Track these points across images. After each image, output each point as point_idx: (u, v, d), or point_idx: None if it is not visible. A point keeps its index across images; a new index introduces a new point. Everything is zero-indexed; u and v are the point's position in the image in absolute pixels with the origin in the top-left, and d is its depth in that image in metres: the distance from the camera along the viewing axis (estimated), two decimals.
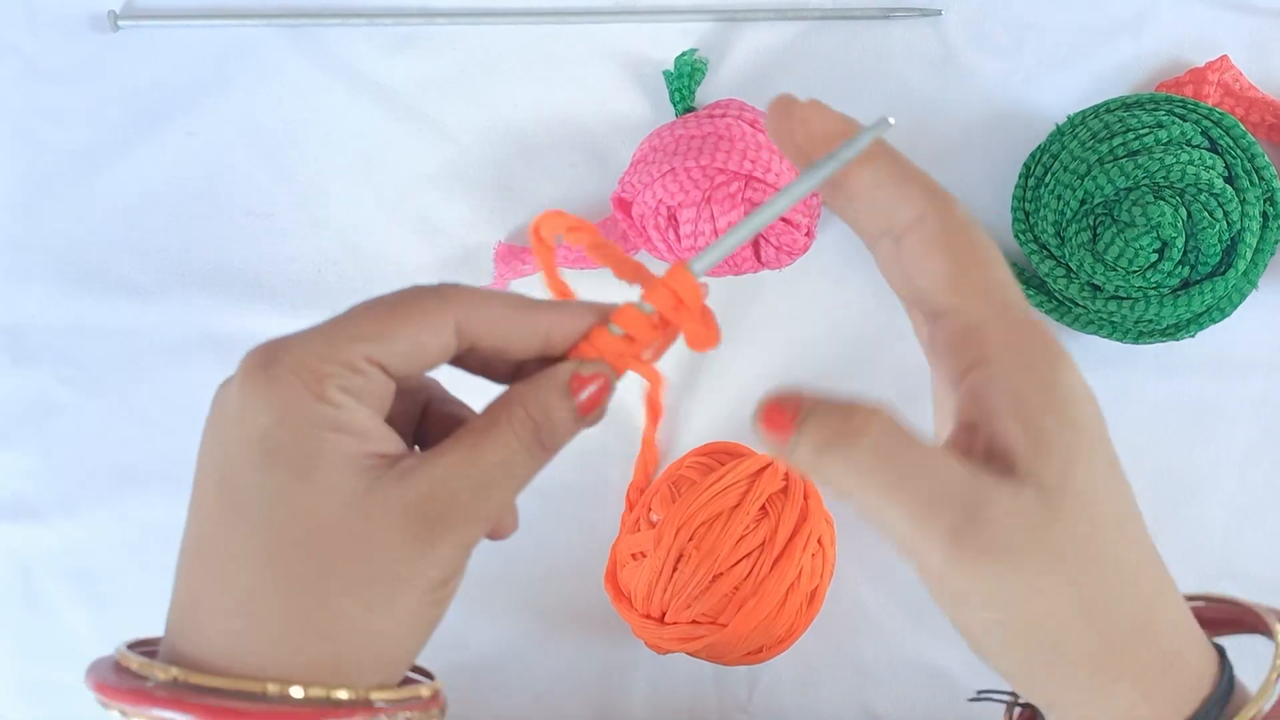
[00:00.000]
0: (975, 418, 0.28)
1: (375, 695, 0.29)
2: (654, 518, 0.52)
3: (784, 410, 0.28)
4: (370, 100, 0.61)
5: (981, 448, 0.28)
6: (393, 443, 0.29)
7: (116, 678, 0.28)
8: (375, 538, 0.28)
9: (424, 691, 0.31)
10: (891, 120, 0.32)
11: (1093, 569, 0.27)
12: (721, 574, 0.49)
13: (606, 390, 0.31)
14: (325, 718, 0.28)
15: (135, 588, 0.60)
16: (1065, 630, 0.27)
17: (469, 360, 0.32)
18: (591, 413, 0.31)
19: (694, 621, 0.50)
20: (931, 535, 0.26)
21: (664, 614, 0.50)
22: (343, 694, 0.28)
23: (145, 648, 0.31)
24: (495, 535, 0.33)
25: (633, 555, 0.52)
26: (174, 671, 0.28)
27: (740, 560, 0.49)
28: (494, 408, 0.31)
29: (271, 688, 0.27)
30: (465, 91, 0.61)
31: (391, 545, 0.28)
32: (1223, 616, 0.34)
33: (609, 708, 0.59)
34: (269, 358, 0.28)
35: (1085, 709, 0.29)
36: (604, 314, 0.32)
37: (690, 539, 0.49)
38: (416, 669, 0.33)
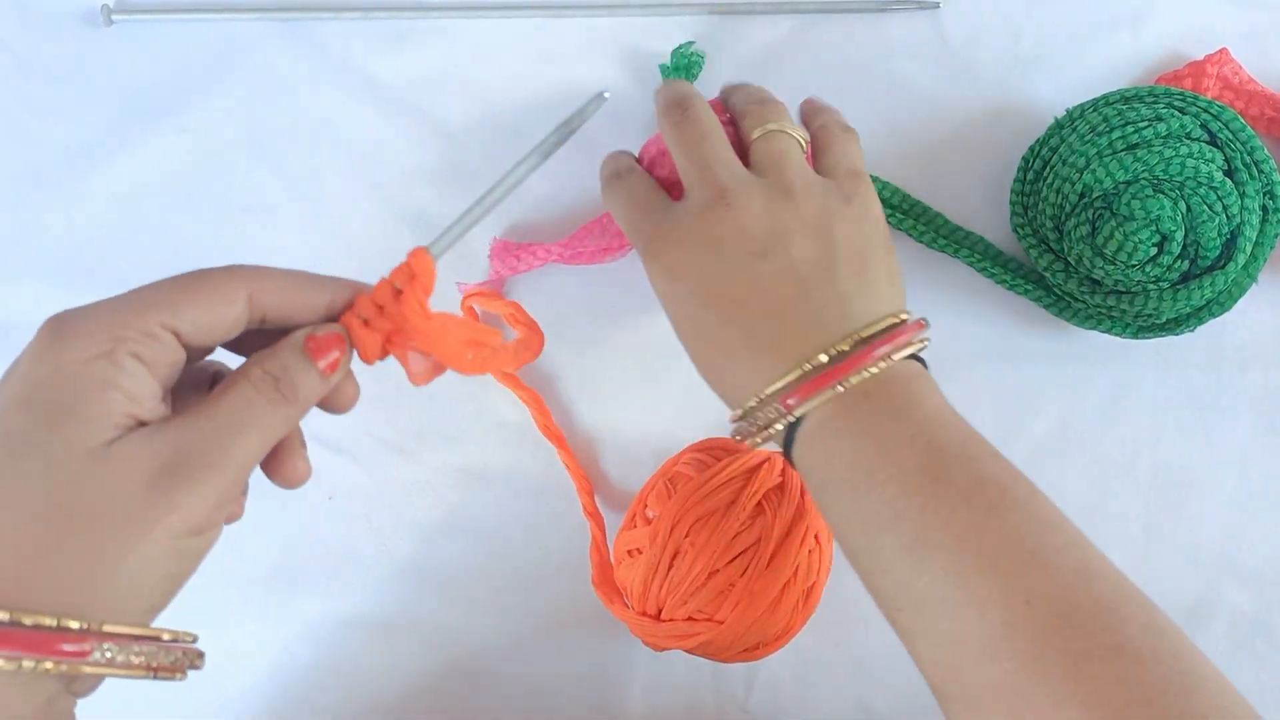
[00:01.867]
0: None
1: (109, 627, 0.30)
2: (650, 514, 0.52)
3: None
4: (364, 94, 0.61)
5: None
6: (157, 409, 0.32)
7: None
8: (116, 486, 0.30)
9: (164, 635, 0.32)
10: (607, 94, 0.41)
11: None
12: (717, 570, 0.49)
13: (339, 342, 0.35)
14: (59, 643, 0.29)
15: None
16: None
17: (257, 340, 0.35)
18: (326, 357, 0.35)
19: (690, 618, 0.49)
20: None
21: (660, 611, 0.50)
22: (73, 623, 0.29)
23: None
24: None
25: (629, 552, 0.52)
26: None
27: (736, 557, 0.49)
28: (235, 371, 0.34)
29: (2, 614, 0.29)
30: (459, 85, 0.61)
31: (132, 494, 0.30)
32: None
33: (606, 706, 0.58)
34: (63, 321, 0.31)
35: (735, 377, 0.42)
36: (362, 290, 0.36)
37: (686, 535, 0.49)
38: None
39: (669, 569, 0.49)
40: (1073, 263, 0.54)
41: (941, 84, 0.59)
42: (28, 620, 0.29)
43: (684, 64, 0.58)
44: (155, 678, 0.32)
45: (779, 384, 0.40)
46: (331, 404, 0.36)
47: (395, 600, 0.59)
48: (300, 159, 0.61)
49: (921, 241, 0.58)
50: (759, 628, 0.49)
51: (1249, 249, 0.52)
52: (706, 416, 0.59)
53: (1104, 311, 0.54)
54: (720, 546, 0.49)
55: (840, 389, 0.39)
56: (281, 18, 0.61)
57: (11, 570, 0.30)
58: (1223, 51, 0.57)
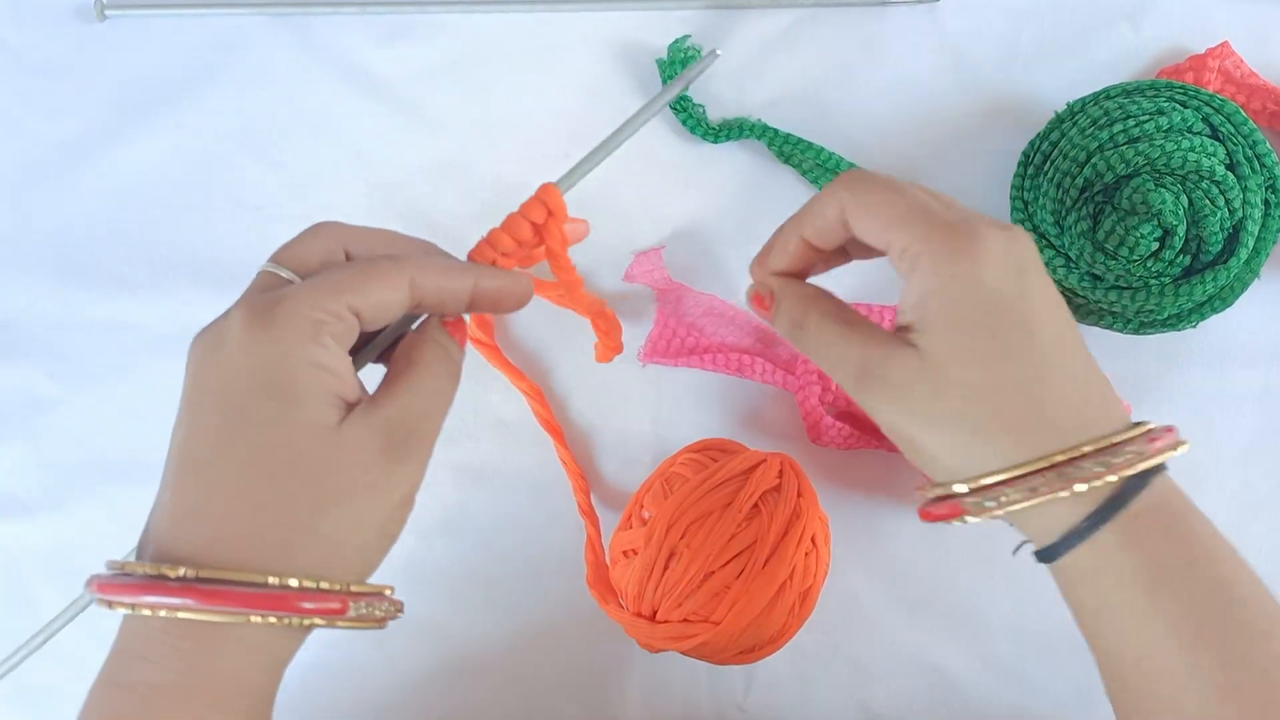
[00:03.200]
0: (902, 312, 0.38)
1: (354, 587, 0.35)
2: (646, 514, 0.51)
3: (762, 297, 0.42)
4: (360, 90, 0.60)
5: (902, 330, 0.38)
6: (355, 386, 0.36)
7: (126, 579, 0.33)
8: (353, 459, 0.34)
9: (386, 589, 0.37)
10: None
11: (942, 399, 0.36)
12: (713, 572, 0.48)
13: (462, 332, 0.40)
14: (312, 601, 0.33)
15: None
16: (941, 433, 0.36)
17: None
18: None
19: (685, 620, 0.49)
20: (845, 380, 0.38)
21: (655, 612, 0.50)
22: (326, 584, 0.34)
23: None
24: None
25: (624, 553, 0.52)
26: (182, 570, 0.33)
27: (732, 559, 0.48)
28: (413, 350, 0.37)
29: (271, 579, 0.33)
30: (456, 81, 0.60)
31: (367, 466, 0.34)
32: None
33: (602, 707, 0.58)
34: (272, 304, 0.34)
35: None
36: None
37: (682, 537, 0.49)
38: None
39: (664, 570, 0.49)
40: (1073, 258, 0.53)
41: (941, 78, 0.59)
42: (293, 583, 0.33)
43: (680, 59, 0.57)
44: (379, 628, 0.36)
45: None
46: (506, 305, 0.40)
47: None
48: (295, 154, 0.60)
49: None
50: (755, 630, 0.49)
51: (1251, 244, 0.51)
52: (703, 417, 0.58)
53: (1105, 307, 0.54)
54: (717, 548, 0.48)
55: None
56: (276, 12, 0.60)
57: (273, 536, 0.33)
58: (1224, 45, 0.56)
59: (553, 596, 0.58)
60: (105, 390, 0.61)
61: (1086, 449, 0.35)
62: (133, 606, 0.33)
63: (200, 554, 0.33)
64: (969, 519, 0.36)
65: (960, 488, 0.36)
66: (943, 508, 0.37)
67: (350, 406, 0.35)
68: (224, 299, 0.59)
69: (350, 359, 0.36)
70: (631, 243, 0.59)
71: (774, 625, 0.49)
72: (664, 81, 0.58)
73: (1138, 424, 0.36)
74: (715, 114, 0.59)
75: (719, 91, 0.59)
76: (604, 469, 0.59)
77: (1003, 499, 0.35)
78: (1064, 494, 0.34)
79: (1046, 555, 0.37)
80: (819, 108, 0.59)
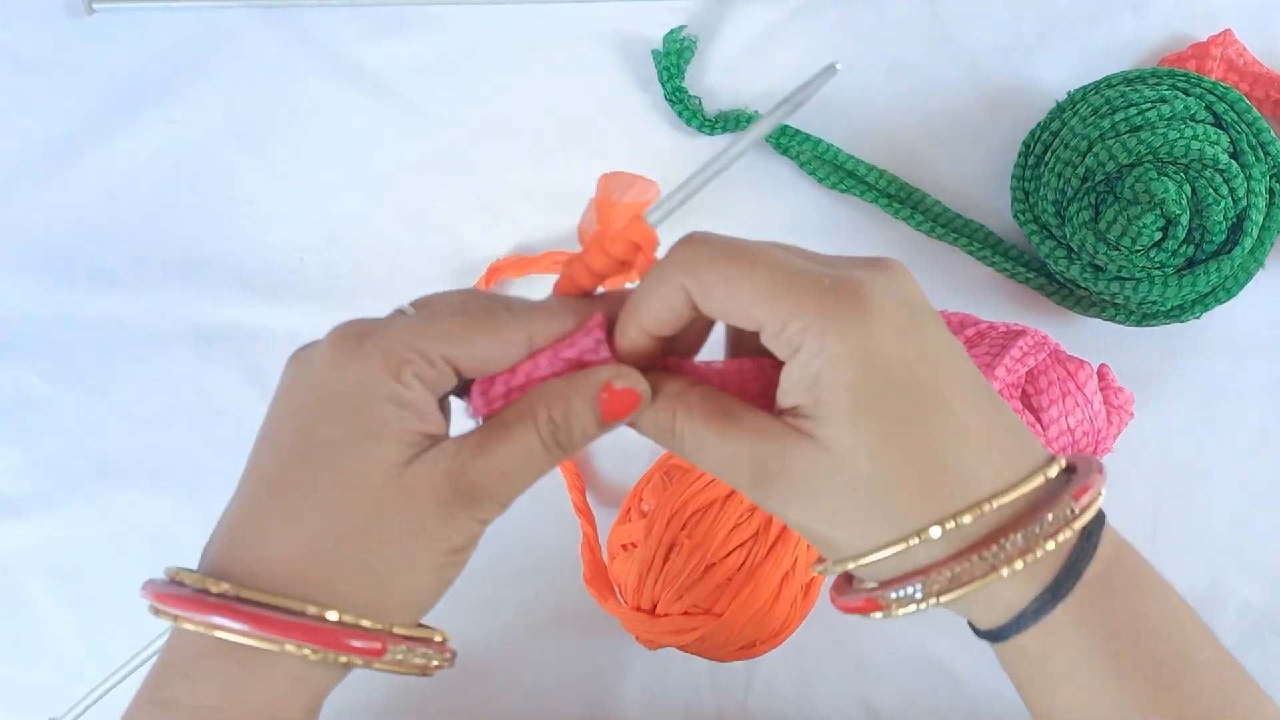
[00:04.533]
0: (787, 392, 0.33)
1: (397, 629, 0.33)
2: (645, 507, 0.51)
3: (616, 400, 0.34)
4: (352, 84, 0.60)
5: (790, 413, 0.33)
6: (441, 426, 0.34)
7: (172, 588, 0.32)
8: (414, 504, 0.33)
9: (437, 636, 0.36)
10: (839, 66, 0.36)
11: (861, 493, 0.32)
12: (714, 564, 0.48)
13: (635, 403, 0.34)
14: (351, 638, 0.32)
15: (117, 586, 0.59)
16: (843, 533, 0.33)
17: None
18: (616, 420, 0.34)
19: (686, 613, 0.48)
20: (739, 483, 0.34)
21: (655, 606, 0.49)
22: (367, 622, 0.33)
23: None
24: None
25: (623, 546, 0.51)
26: (224, 586, 0.32)
27: (733, 550, 0.48)
28: (526, 401, 0.34)
29: (311, 609, 0.32)
30: (449, 74, 0.60)
31: (423, 510, 0.33)
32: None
33: (602, 706, 0.57)
34: (362, 334, 0.33)
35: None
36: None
37: (682, 528, 0.48)
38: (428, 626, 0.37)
39: (665, 562, 0.48)
40: (1075, 249, 0.52)
41: (940, 68, 0.58)
42: (330, 615, 0.32)
43: (675, 50, 0.57)
44: (423, 675, 0.35)
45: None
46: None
47: None
48: (286, 149, 0.60)
49: (920, 230, 0.57)
50: (757, 624, 0.48)
51: (1255, 233, 0.51)
52: None
53: (1108, 299, 0.53)
54: (718, 539, 0.48)
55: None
56: (267, 5, 0.60)
57: (323, 564, 0.32)
58: (1227, 33, 0.56)
59: (552, 595, 0.58)
60: (96, 388, 0.60)
61: (1004, 512, 0.31)
62: (174, 618, 0.32)
63: (248, 573, 0.32)
64: (887, 614, 0.33)
65: (863, 573, 0.33)
66: (857, 600, 0.34)
67: (432, 443, 0.34)
68: (215, 297, 0.59)
69: (435, 403, 0.34)
70: None
71: (777, 618, 0.49)
72: (660, 73, 0.57)
73: (1052, 461, 0.33)
74: (711, 106, 0.59)
75: (715, 83, 0.59)
76: (602, 466, 0.58)
77: (925, 589, 0.32)
78: (1001, 573, 0.31)
79: (992, 636, 0.34)
80: (817, 98, 0.58)
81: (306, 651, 0.32)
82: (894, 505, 0.32)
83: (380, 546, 0.33)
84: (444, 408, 0.36)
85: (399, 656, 0.33)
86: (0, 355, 0.60)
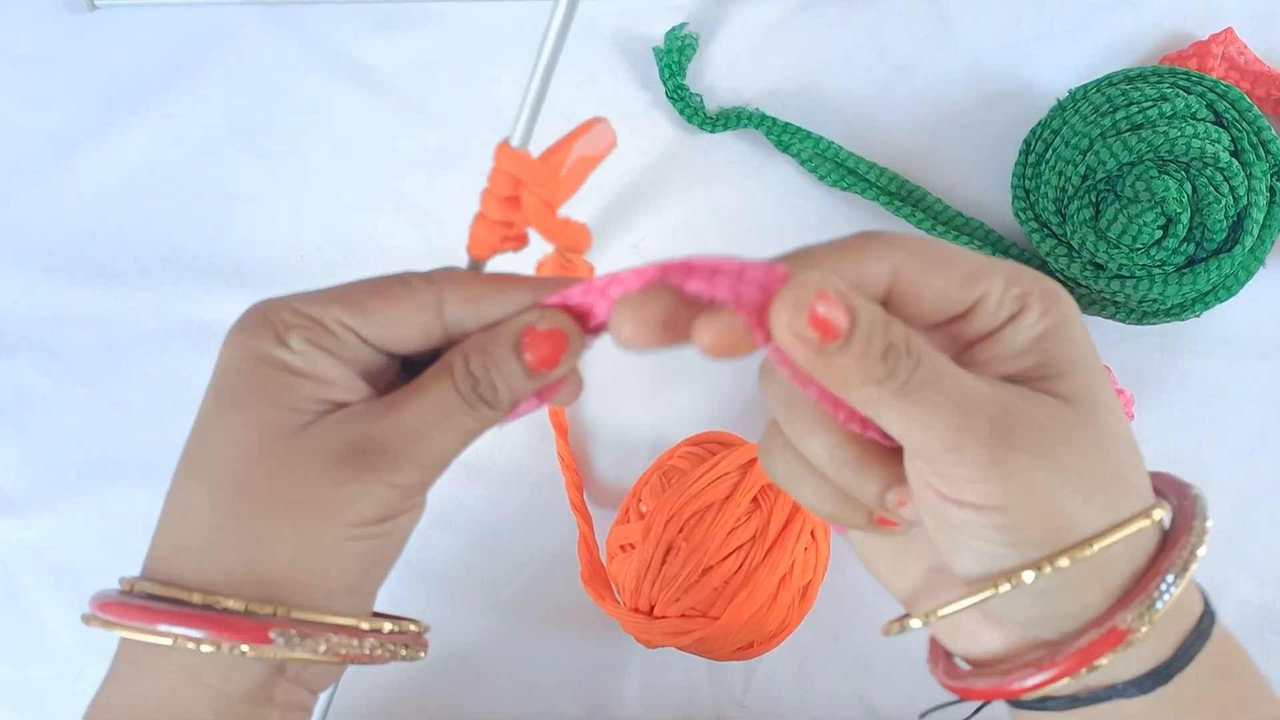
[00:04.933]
0: (1002, 357, 0.30)
1: (296, 614, 0.30)
2: (643, 508, 0.51)
3: (827, 319, 0.27)
4: (352, 81, 0.60)
5: (1004, 377, 0.29)
6: (357, 394, 0.31)
7: (105, 596, 0.31)
8: (300, 469, 0.30)
9: (363, 624, 0.31)
10: None
11: (1121, 454, 0.29)
12: (711, 567, 0.48)
13: (563, 346, 0.31)
14: (244, 628, 0.29)
15: (116, 583, 0.59)
16: (1090, 514, 0.28)
17: None
18: (548, 369, 0.31)
19: (684, 615, 0.48)
20: (978, 430, 0.27)
21: (652, 607, 0.49)
22: (271, 610, 0.29)
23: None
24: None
25: (621, 547, 0.51)
26: (129, 581, 0.31)
27: (731, 553, 0.48)
28: (445, 356, 0.32)
29: (196, 596, 0.29)
30: (450, 71, 0.60)
31: (315, 478, 0.30)
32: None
33: (602, 704, 0.57)
34: (253, 310, 0.31)
35: (1091, 597, 0.29)
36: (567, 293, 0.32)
37: (680, 531, 0.48)
38: (404, 619, 0.34)
39: (662, 564, 0.48)
40: (1076, 247, 0.52)
41: (941, 65, 0.58)
42: (219, 604, 0.29)
43: (677, 47, 0.57)
44: (365, 664, 0.32)
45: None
46: (550, 398, 0.33)
47: (385, 594, 0.58)
48: (286, 145, 0.60)
49: (921, 228, 0.57)
50: (755, 625, 0.48)
51: (1256, 231, 0.51)
52: (702, 410, 0.58)
53: (1108, 297, 0.53)
54: (715, 542, 0.48)
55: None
56: (267, 2, 0.60)
57: (205, 552, 0.30)
58: (1228, 31, 0.55)
59: (550, 593, 0.58)
60: (95, 385, 0.60)
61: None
62: (104, 624, 0.30)
63: (159, 568, 0.31)
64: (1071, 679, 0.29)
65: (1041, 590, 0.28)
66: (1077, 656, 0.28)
67: (331, 403, 0.31)
68: (214, 293, 0.59)
69: (338, 363, 0.31)
70: (628, 233, 0.58)
71: (774, 620, 0.49)
72: (661, 71, 0.57)
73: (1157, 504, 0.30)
74: (713, 103, 0.58)
75: (716, 81, 0.59)
76: (600, 464, 0.58)
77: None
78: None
79: (1059, 705, 0.30)
80: (818, 96, 0.58)
81: (190, 644, 0.29)
82: (1133, 475, 0.29)
83: (262, 520, 0.30)
84: (384, 381, 0.33)
85: (290, 644, 0.29)
86: None
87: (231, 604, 0.29)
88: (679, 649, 0.50)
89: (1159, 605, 0.28)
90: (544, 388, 0.32)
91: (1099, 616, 0.28)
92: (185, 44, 0.60)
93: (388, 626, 0.32)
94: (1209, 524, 0.30)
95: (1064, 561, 0.28)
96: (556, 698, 0.58)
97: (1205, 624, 0.30)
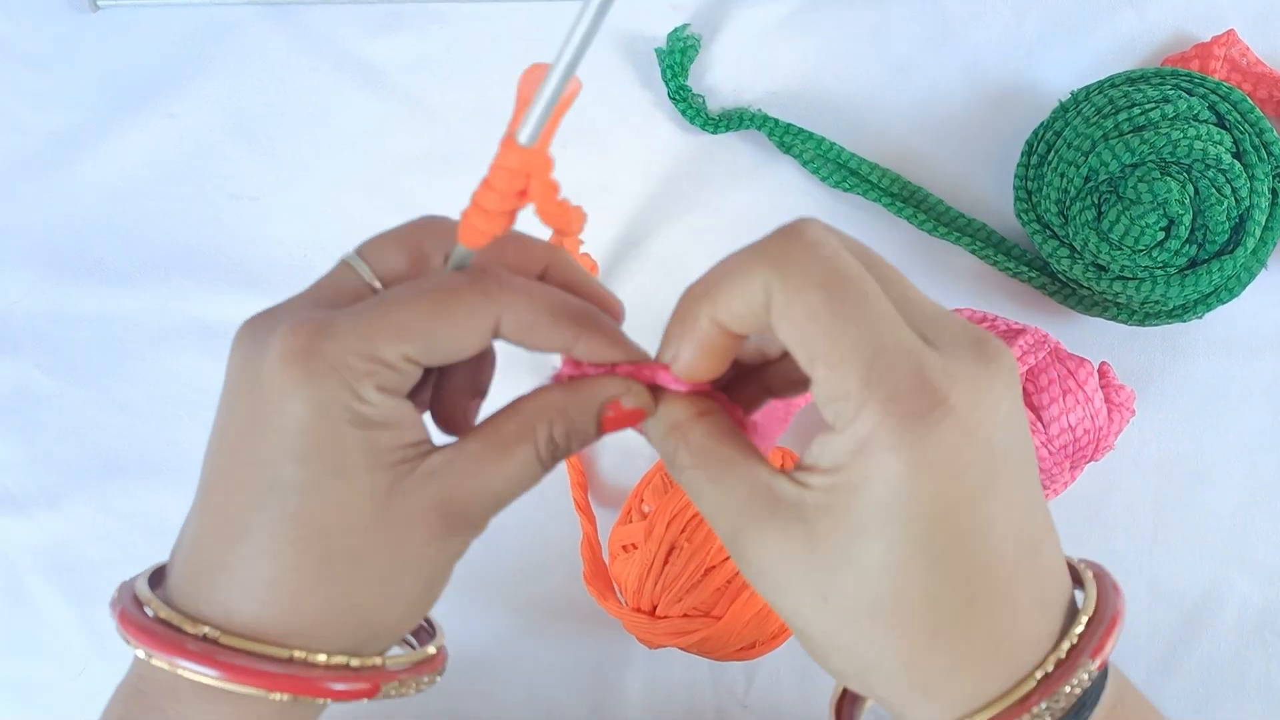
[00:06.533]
0: (815, 453, 0.29)
1: (388, 661, 0.32)
2: (645, 508, 0.51)
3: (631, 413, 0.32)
4: (355, 80, 0.60)
5: (805, 469, 0.29)
6: (416, 427, 0.31)
7: (143, 619, 0.30)
8: (396, 533, 0.30)
9: (430, 649, 0.34)
10: None
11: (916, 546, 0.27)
12: (714, 567, 0.48)
13: (638, 420, 0.32)
14: (341, 681, 0.30)
15: (119, 582, 0.59)
16: (897, 600, 0.27)
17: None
18: (615, 430, 0.33)
19: (686, 615, 0.48)
20: (720, 534, 0.30)
21: (655, 608, 0.49)
22: (358, 662, 0.31)
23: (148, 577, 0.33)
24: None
25: (623, 547, 0.51)
26: (205, 629, 0.30)
27: None
28: (522, 416, 0.32)
29: (297, 653, 0.30)
30: (452, 71, 0.60)
31: (411, 540, 0.31)
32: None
33: (604, 703, 0.58)
34: (309, 349, 0.29)
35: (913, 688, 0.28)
36: (634, 355, 0.32)
37: (682, 531, 0.48)
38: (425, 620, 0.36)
39: (664, 565, 0.48)
40: (1078, 248, 0.52)
41: (943, 66, 0.58)
42: (320, 658, 0.30)
43: (679, 48, 0.57)
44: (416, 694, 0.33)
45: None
46: None
47: None
48: (290, 145, 0.60)
49: (922, 229, 0.57)
50: (755, 626, 0.48)
51: (1258, 233, 0.51)
52: None
53: (1110, 298, 0.53)
54: (718, 542, 0.48)
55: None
56: (270, 1, 0.60)
57: (299, 607, 0.30)
58: (1230, 33, 0.55)
59: (553, 592, 0.58)
60: (99, 384, 0.60)
61: (1035, 679, 0.28)
62: (149, 655, 0.30)
63: (224, 614, 0.30)
64: None
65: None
66: None
67: (412, 452, 0.31)
68: (217, 292, 0.59)
69: (408, 404, 0.31)
70: (630, 234, 0.58)
71: (775, 622, 0.49)
72: (663, 72, 0.57)
73: (1076, 615, 0.29)
74: (715, 104, 0.59)
75: (718, 82, 0.59)
76: (604, 464, 0.58)
77: None
78: None
79: None
80: (820, 97, 0.58)
81: (288, 698, 0.30)
82: (906, 653, 0.28)
83: (362, 582, 0.30)
84: (419, 394, 0.34)
85: (391, 692, 0.32)
86: (2, 350, 0.60)
87: (338, 661, 0.31)
88: (681, 649, 0.50)
89: (1063, 699, 0.28)
90: None
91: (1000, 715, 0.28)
92: (188, 43, 0.60)
93: (433, 650, 0.34)
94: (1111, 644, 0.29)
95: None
96: (558, 697, 0.58)
97: (1102, 675, 0.29)
